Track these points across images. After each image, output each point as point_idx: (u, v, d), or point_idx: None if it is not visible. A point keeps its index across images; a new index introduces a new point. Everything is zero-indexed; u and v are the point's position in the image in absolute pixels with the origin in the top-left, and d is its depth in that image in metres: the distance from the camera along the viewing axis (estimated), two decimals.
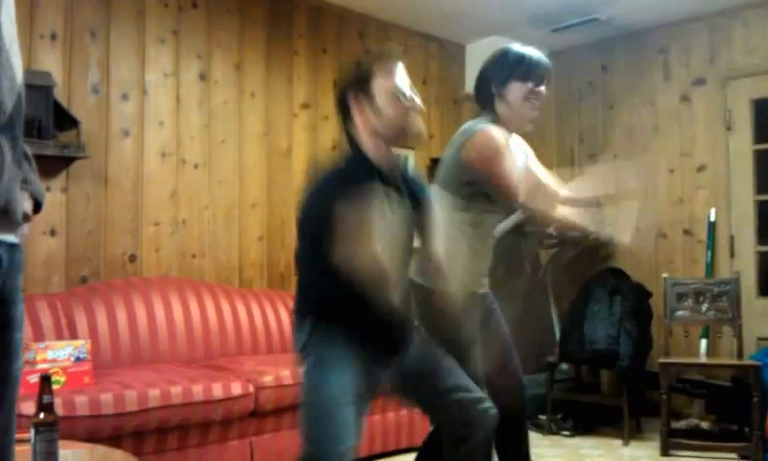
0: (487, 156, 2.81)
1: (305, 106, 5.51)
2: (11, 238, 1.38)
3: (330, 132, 5.59)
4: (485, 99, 3.00)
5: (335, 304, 2.43)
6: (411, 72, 2.56)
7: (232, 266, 5.09)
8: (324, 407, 2.33)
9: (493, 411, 2.60)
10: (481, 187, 2.89)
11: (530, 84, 2.92)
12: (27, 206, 1.44)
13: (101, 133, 4.51)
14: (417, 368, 2.58)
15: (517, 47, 2.99)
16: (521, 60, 2.94)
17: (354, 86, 2.48)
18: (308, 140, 5.47)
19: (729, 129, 5.83)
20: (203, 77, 5.01)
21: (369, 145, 2.47)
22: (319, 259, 2.34)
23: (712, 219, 5.80)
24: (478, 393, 2.61)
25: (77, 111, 4.33)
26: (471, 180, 2.87)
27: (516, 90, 2.92)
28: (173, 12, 4.87)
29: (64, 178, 4.35)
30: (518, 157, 3.03)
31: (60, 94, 4.24)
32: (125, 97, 4.63)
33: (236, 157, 5.14)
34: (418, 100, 2.49)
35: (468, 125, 2.95)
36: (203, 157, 4.97)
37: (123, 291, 4.33)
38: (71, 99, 4.38)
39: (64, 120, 4.21)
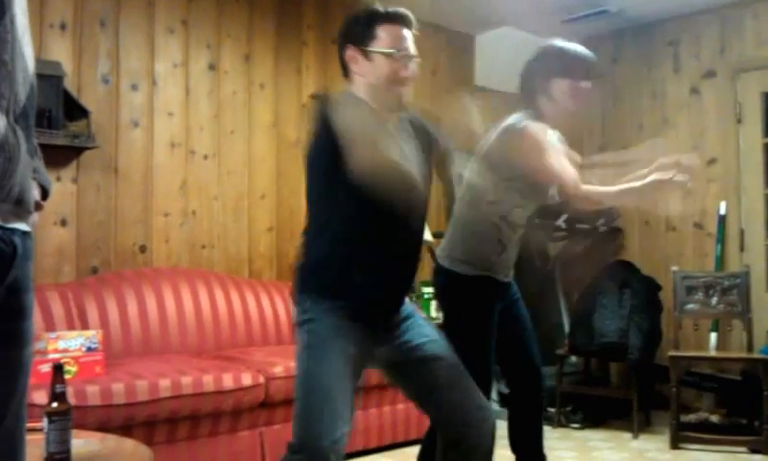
0: (535, 154, 2.80)
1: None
2: (24, 226, 1.39)
3: None
4: (529, 94, 3.00)
5: (328, 268, 2.36)
6: (420, 63, 2.49)
7: (242, 257, 5.08)
8: (317, 395, 2.26)
9: (492, 419, 2.51)
10: (518, 182, 2.90)
11: (572, 80, 2.91)
12: (36, 194, 1.45)
13: (110, 124, 4.51)
14: (417, 354, 2.46)
15: (560, 43, 2.99)
16: (563, 55, 2.95)
17: (352, 38, 2.41)
18: None
19: (739, 122, 5.80)
20: (212, 67, 5.00)
21: (366, 99, 2.41)
22: (321, 214, 2.34)
23: (722, 212, 5.77)
24: (478, 398, 2.50)
25: (86, 101, 4.33)
26: (512, 176, 2.89)
27: (558, 86, 2.92)
28: (182, 2, 4.86)
29: (74, 168, 4.35)
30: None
31: (69, 84, 4.23)
32: (134, 87, 4.63)
33: (245, 149, 5.13)
34: (412, 65, 2.41)
35: (510, 121, 2.94)
36: (212, 148, 4.96)
37: (133, 281, 4.34)
38: (81, 89, 4.37)
39: (74, 110, 4.20)
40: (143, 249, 4.61)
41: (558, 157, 2.81)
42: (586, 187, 2.76)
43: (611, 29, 6.36)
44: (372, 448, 4.46)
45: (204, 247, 4.89)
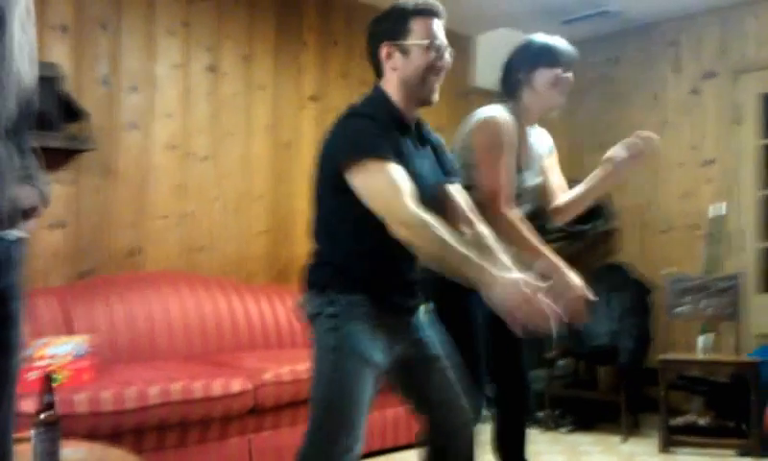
0: (487, 146, 2.87)
1: (313, 98, 5.52)
2: (12, 234, 1.42)
3: None
4: (511, 88, 3.05)
5: (356, 273, 2.36)
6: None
7: (236, 260, 5.10)
8: (340, 410, 2.26)
9: (473, 425, 2.55)
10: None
11: (557, 70, 2.98)
12: (34, 200, 1.47)
13: (108, 126, 4.53)
14: (424, 352, 2.48)
15: (542, 37, 3.05)
16: (547, 47, 3.01)
17: (387, 34, 2.45)
18: (315, 133, 5.43)
19: (738, 123, 5.80)
20: (211, 69, 5.02)
21: (396, 98, 2.44)
22: (339, 220, 2.36)
23: (718, 214, 5.76)
24: (463, 403, 2.51)
25: (86, 104, 4.36)
26: (470, 162, 2.92)
27: (543, 77, 2.98)
28: (183, 4, 4.89)
29: (71, 170, 4.38)
30: (541, 148, 3.15)
31: (68, 86, 4.27)
32: (133, 89, 4.66)
33: (243, 150, 5.16)
34: (447, 55, 2.45)
35: (483, 109, 2.99)
36: (209, 150, 4.99)
37: (124, 286, 4.33)
38: (80, 91, 4.40)
39: (72, 112, 4.23)
40: (138, 251, 4.64)
41: (505, 166, 2.85)
42: (510, 215, 2.84)
43: (611, 30, 6.34)
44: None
45: (199, 250, 4.91)
